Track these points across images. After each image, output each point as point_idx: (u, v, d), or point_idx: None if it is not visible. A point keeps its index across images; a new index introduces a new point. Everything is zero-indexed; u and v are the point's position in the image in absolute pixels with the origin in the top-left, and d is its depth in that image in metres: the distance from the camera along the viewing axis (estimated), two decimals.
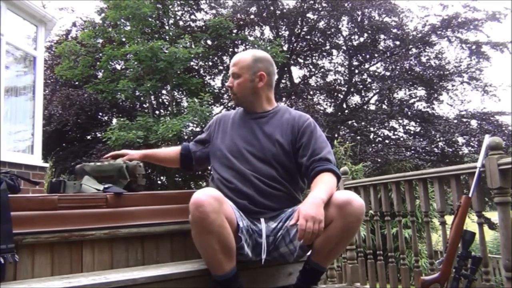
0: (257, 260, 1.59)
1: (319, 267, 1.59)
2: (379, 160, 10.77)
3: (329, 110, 13.79)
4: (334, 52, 14.07)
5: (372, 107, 13.69)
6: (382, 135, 13.49)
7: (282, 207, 1.68)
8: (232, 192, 1.66)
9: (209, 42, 11.77)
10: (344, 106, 14.31)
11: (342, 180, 3.03)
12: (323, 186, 1.55)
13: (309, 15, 13.24)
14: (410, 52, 12.83)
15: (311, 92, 13.54)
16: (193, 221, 1.43)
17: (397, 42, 13.01)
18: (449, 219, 2.20)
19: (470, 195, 1.87)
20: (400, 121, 13.35)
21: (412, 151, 11.42)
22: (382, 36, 13.25)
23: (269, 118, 1.79)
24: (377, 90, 13.42)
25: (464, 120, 12.32)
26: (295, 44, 13.78)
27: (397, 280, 2.78)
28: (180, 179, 11.48)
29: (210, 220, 1.40)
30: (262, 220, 1.63)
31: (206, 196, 1.42)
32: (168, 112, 11.24)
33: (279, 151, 1.71)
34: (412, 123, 13.39)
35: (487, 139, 1.98)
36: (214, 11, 12.55)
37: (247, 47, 12.00)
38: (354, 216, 1.48)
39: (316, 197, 1.48)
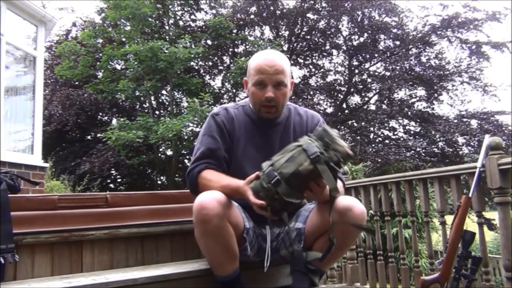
0: (258, 261, 1.60)
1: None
2: (379, 160, 10.77)
3: (329, 110, 13.79)
4: (334, 52, 14.08)
5: (372, 107, 13.69)
6: (382, 135, 13.50)
7: None
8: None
9: (209, 42, 11.78)
10: (344, 106, 14.31)
11: None
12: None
13: (309, 15, 13.24)
14: (410, 52, 12.83)
15: (311, 92, 13.55)
16: (196, 223, 1.43)
17: (397, 42, 13.02)
18: (449, 219, 2.19)
19: (470, 195, 1.87)
20: (400, 121, 13.35)
21: (412, 151, 11.42)
22: (382, 36, 13.25)
23: (283, 126, 1.67)
24: (377, 90, 13.42)
25: (464, 120, 12.32)
26: (295, 44, 13.78)
27: (397, 280, 2.78)
28: (180, 179, 11.49)
29: (212, 224, 1.38)
30: (267, 227, 1.62)
31: (210, 199, 1.39)
32: (168, 112, 11.25)
33: None
34: (412, 123, 13.39)
35: (487, 139, 1.98)
36: (214, 11, 12.55)
37: (247, 47, 12.01)
38: (355, 223, 1.48)
39: None
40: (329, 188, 1.36)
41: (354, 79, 13.72)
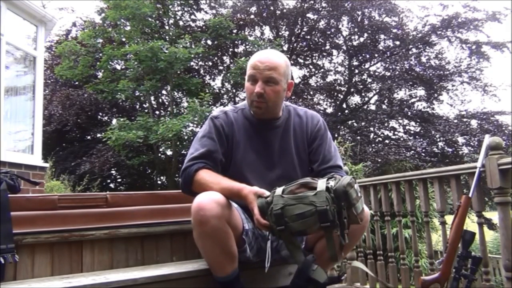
0: (258, 262, 1.60)
1: None
2: (379, 160, 10.77)
3: (329, 110, 13.81)
4: (334, 52, 14.09)
5: (372, 107, 13.70)
6: (382, 135, 13.50)
7: None
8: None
9: (209, 42, 11.77)
10: (344, 106, 14.32)
11: None
12: None
13: (309, 15, 13.25)
14: (410, 52, 12.83)
15: (311, 92, 13.55)
16: (194, 224, 1.42)
17: (397, 42, 13.02)
18: (449, 219, 2.20)
19: (470, 195, 1.86)
20: (400, 121, 13.36)
21: (412, 151, 11.42)
22: (382, 36, 13.26)
23: (282, 128, 1.67)
24: (377, 90, 13.43)
25: (464, 120, 12.32)
26: (295, 44, 13.78)
27: (397, 280, 2.78)
28: (180, 179, 11.49)
29: (210, 224, 1.37)
30: None
31: (208, 200, 1.39)
32: (168, 112, 11.25)
33: (296, 165, 1.65)
34: (412, 123, 13.40)
35: (487, 139, 1.98)
36: (214, 11, 12.56)
37: (247, 47, 12.01)
38: (358, 225, 1.48)
39: None
40: (328, 255, 1.36)
41: (354, 79, 13.73)
